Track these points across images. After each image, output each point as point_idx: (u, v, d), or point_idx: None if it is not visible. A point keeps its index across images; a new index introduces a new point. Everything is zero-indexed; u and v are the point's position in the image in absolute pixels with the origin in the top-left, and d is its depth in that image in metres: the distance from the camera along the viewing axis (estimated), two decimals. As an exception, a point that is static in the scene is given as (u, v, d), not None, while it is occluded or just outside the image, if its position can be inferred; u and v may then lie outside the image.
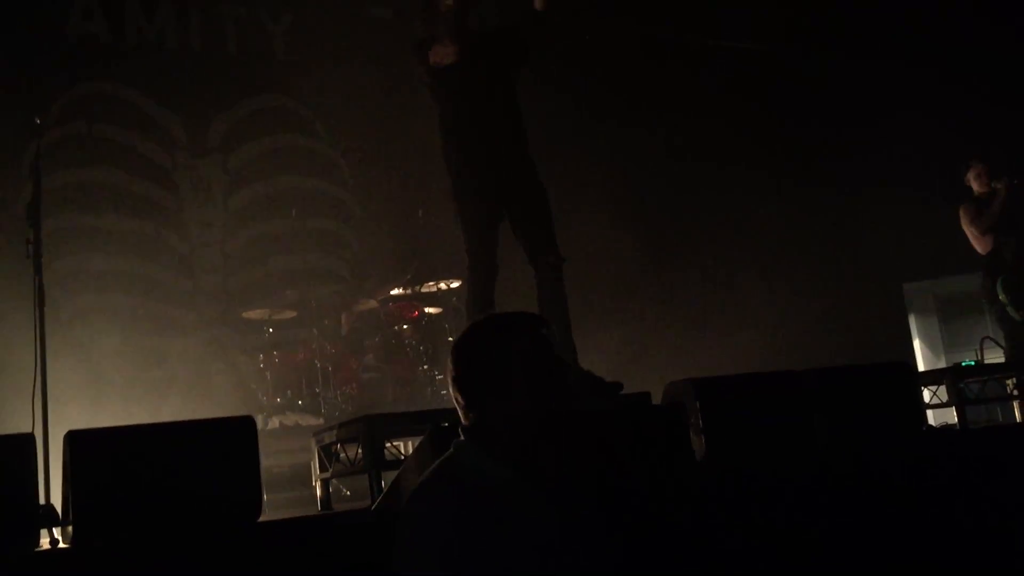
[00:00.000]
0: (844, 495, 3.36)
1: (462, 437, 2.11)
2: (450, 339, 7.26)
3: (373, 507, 3.35)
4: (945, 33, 8.88)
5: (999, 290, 6.78)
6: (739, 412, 3.63)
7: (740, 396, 3.73)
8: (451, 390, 2.15)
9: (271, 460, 5.55)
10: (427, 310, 7.29)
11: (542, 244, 4.44)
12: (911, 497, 3.43)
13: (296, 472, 5.50)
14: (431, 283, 7.34)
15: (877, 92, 9.24)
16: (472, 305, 4.40)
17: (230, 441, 3.13)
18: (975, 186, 7.09)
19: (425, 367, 6.99)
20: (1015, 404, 5.19)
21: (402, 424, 3.78)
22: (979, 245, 7.05)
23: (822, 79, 9.41)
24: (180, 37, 8.14)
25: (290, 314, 7.14)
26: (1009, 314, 6.78)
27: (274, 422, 6.72)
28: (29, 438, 2.96)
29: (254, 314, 7.06)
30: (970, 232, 7.06)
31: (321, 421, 6.42)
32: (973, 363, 6.96)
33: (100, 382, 6.89)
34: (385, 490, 3.35)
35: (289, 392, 6.84)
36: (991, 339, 6.98)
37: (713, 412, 3.57)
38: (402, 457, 3.63)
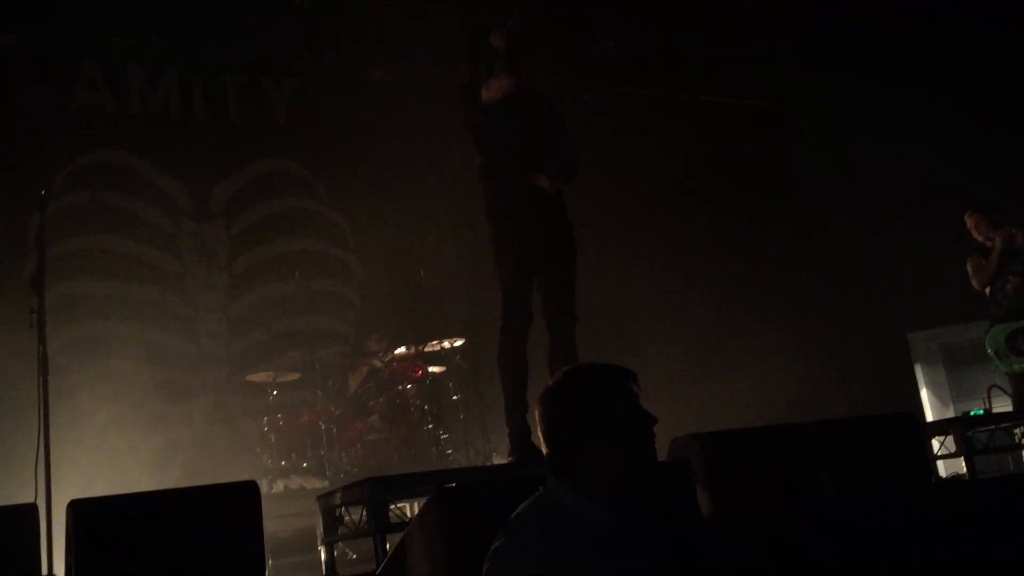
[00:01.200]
0: (852, 548, 3.32)
1: (550, 480, 2.16)
2: (455, 398, 7.25)
3: (378, 571, 3.31)
4: (952, 81, 9.00)
5: (986, 342, 6.74)
6: (745, 467, 3.60)
7: (745, 450, 3.71)
8: (540, 433, 2.20)
9: (275, 524, 5.50)
10: (431, 369, 7.28)
11: (563, 299, 4.44)
12: (920, 549, 3.39)
13: (301, 536, 5.45)
14: (434, 342, 7.34)
15: (881, 143, 9.33)
16: (503, 350, 4.35)
17: (234, 507, 3.11)
18: (976, 236, 7.03)
19: (430, 427, 6.96)
20: (1024, 453, 5.15)
21: (406, 486, 3.76)
22: (976, 282, 7.01)
23: (827, 133, 9.53)
24: (183, 105, 8.28)
25: (294, 376, 7.14)
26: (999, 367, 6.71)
27: (278, 485, 6.67)
28: (31, 508, 2.95)
29: (258, 377, 7.06)
30: (972, 276, 7.04)
31: (326, 484, 6.38)
32: (981, 412, 6.93)
33: (104, 449, 6.88)
34: (390, 553, 3.32)
35: (293, 455, 6.80)
36: (999, 387, 6.95)
37: (718, 467, 3.55)
38: (407, 519, 3.60)
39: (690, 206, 9.13)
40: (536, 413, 2.23)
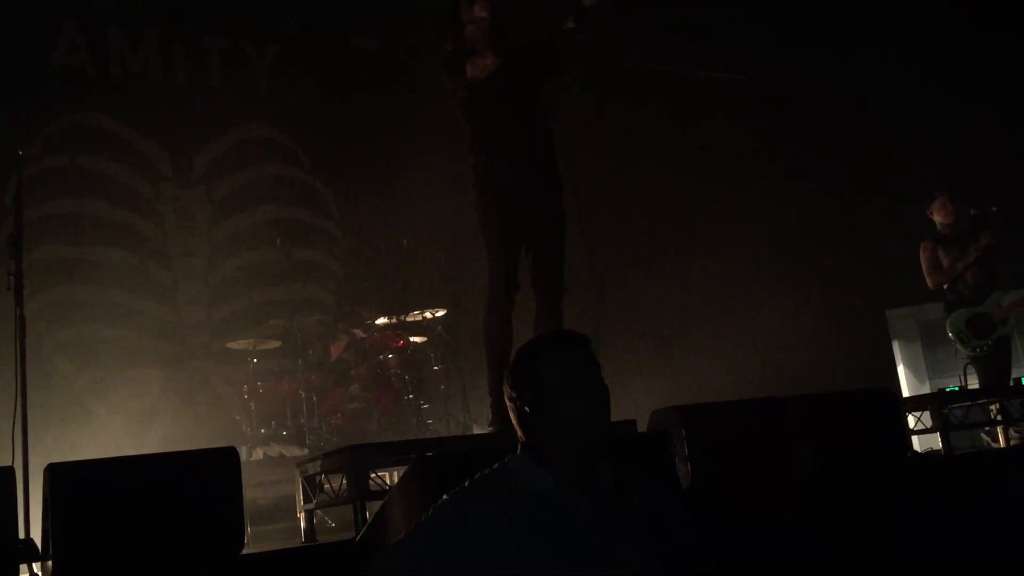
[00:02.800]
0: (829, 521, 3.35)
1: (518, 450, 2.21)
2: (435, 368, 7.26)
3: (358, 538, 3.32)
4: (937, 62, 9.02)
5: (947, 326, 6.80)
6: (725, 439, 3.63)
7: (725, 423, 3.73)
8: (510, 412, 2.25)
9: (255, 491, 5.51)
10: (412, 339, 7.27)
11: (551, 271, 4.43)
12: (896, 523, 3.43)
13: (280, 503, 5.46)
14: (416, 312, 7.33)
15: (859, 119, 9.35)
16: (489, 320, 4.34)
17: (213, 473, 3.11)
18: (938, 218, 6.94)
19: (410, 396, 6.97)
20: (999, 429, 5.21)
21: (387, 454, 3.77)
22: (929, 282, 6.94)
23: (809, 108, 9.52)
24: (164, 69, 8.16)
25: (274, 344, 7.11)
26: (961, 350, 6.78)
27: (258, 453, 6.67)
28: (8, 471, 2.93)
29: (238, 345, 7.03)
30: (925, 272, 6.93)
31: (306, 452, 6.38)
32: (957, 389, 7.01)
33: (82, 414, 6.84)
34: (369, 521, 3.33)
35: (273, 423, 6.80)
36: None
37: (699, 439, 3.57)
38: (387, 487, 3.60)
39: (666, 186, 9.13)
40: None
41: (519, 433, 2.23)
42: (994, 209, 6.83)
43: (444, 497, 2.14)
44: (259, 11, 8.39)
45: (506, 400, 2.25)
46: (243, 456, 5.89)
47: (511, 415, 2.24)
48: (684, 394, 7.57)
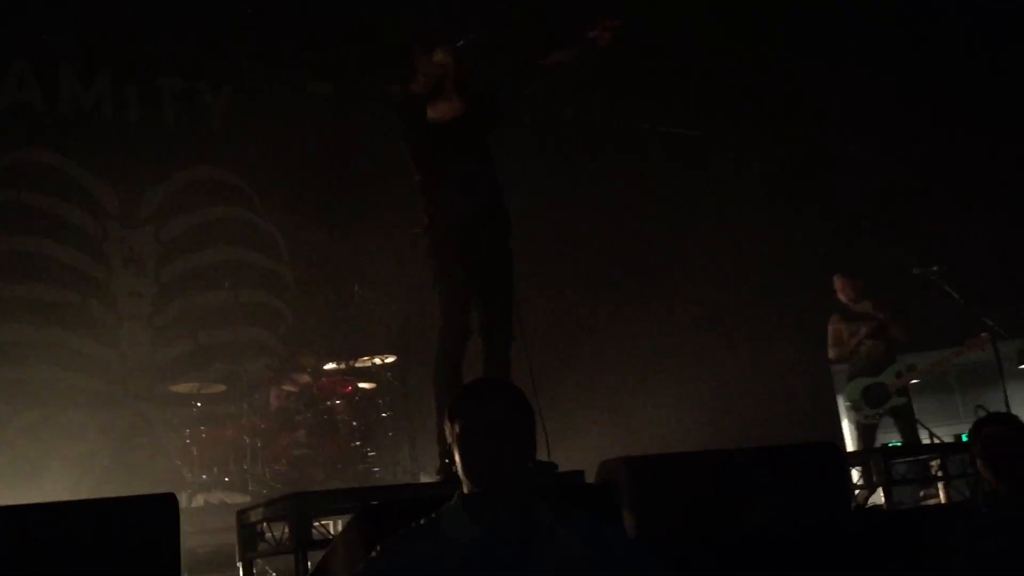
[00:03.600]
0: (775, 573, 3.36)
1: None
2: (384, 415, 7.19)
3: (298, 589, 3.25)
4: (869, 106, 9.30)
5: (844, 394, 7.35)
6: (672, 491, 3.63)
7: (673, 474, 3.73)
8: None
9: (194, 540, 5.35)
10: (361, 385, 7.20)
11: (500, 319, 4.42)
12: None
13: (220, 552, 5.30)
14: (366, 358, 7.26)
15: (809, 179, 9.57)
16: (439, 367, 4.30)
17: (150, 520, 3.01)
18: (840, 296, 7.42)
19: (357, 444, 6.88)
20: (940, 485, 5.28)
21: (331, 502, 3.70)
22: (830, 354, 7.50)
23: (756, 166, 9.73)
24: (116, 108, 8.09)
25: (219, 388, 6.99)
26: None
27: (199, 500, 6.52)
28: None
29: (182, 388, 6.90)
30: (828, 345, 7.46)
31: (248, 499, 6.25)
32: (899, 444, 7.12)
33: (16, 459, 6.63)
34: (312, 571, 3.26)
35: (216, 469, 6.65)
36: (918, 421, 7.15)
37: (646, 491, 3.56)
38: (330, 537, 3.54)
39: (613, 237, 9.22)
40: None
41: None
42: (935, 268, 7.04)
43: (377, 548, 2.13)
44: (215, 53, 8.37)
45: None
46: (183, 503, 5.74)
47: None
48: (633, 445, 7.58)
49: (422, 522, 2.17)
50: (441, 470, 4.23)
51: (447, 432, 2.24)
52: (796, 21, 8.91)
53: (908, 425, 7.10)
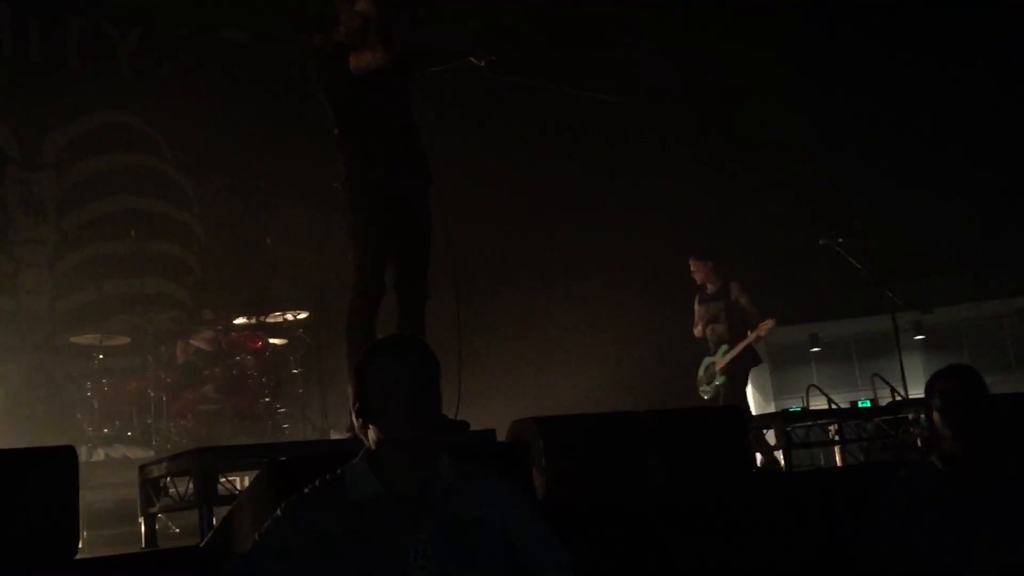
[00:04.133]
0: (678, 532, 3.45)
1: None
2: (295, 371, 7.09)
3: (202, 544, 3.20)
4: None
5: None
6: (580, 450, 3.68)
7: (581, 435, 3.79)
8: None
9: (94, 494, 5.23)
10: (272, 341, 7.09)
11: (416, 275, 4.39)
12: (740, 535, 3.56)
13: (121, 507, 5.20)
14: (277, 313, 7.14)
15: (733, 146, 9.73)
16: (352, 323, 4.25)
17: (48, 472, 2.93)
18: (696, 277, 7.76)
19: (267, 400, 6.78)
20: (836, 449, 5.49)
21: (238, 457, 3.65)
22: (694, 332, 7.80)
23: (680, 132, 9.84)
24: (17, 45, 7.71)
25: (123, 340, 6.80)
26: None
27: (99, 454, 6.35)
28: None
29: (84, 339, 6.69)
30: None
31: (151, 454, 6.12)
32: (800, 409, 7.36)
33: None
34: (216, 527, 3.21)
35: (118, 422, 6.49)
36: (816, 387, 7.40)
37: (555, 450, 3.61)
38: (237, 493, 3.49)
39: (539, 198, 9.24)
40: None
41: (359, 433, 2.21)
42: (840, 240, 7.27)
43: (281, 505, 2.12)
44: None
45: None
46: (83, 456, 5.59)
47: (351, 414, 2.23)
48: (543, 406, 7.66)
49: (327, 478, 2.16)
50: (351, 427, 4.20)
51: (352, 388, 2.20)
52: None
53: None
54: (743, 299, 7.52)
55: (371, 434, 2.14)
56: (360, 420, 2.16)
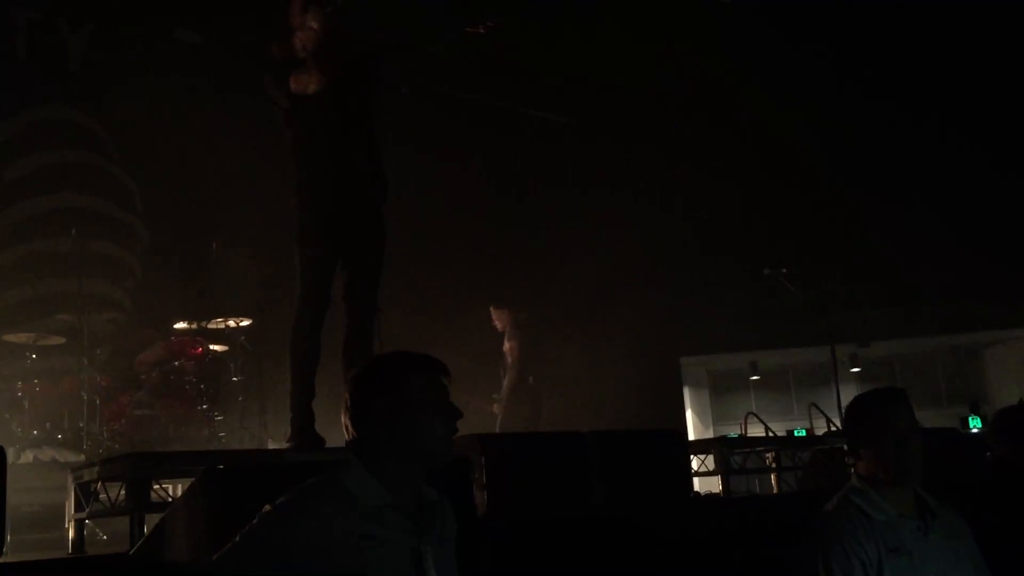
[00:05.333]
0: (617, 551, 3.46)
1: (351, 461, 2.15)
2: (234, 379, 6.98)
3: (131, 551, 3.12)
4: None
5: None
6: (522, 468, 3.69)
7: (523, 453, 3.79)
8: (343, 415, 2.21)
9: (20, 497, 5.07)
10: (212, 347, 6.97)
11: (365, 288, 4.36)
12: (675, 557, 3.59)
13: (48, 511, 5.05)
14: (219, 319, 7.04)
15: (667, 170, 9.84)
16: (297, 334, 4.21)
17: (-26, 473, 2.84)
18: (496, 326, 8.09)
19: (204, 407, 6.66)
20: (772, 476, 5.57)
21: (174, 464, 3.58)
22: None
23: (620, 156, 9.93)
24: (-39, 33, 7.54)
25: (58, 340, 6.63)
26: None
27: (27, 456, 6.17)
28: None
29: (16, 338, 6.51)
30: None
31: (82, 458, 5.96)
32: (736, 436, 7.46)
33: None
34: (147, 534, 3.14)
35: (48, 424, 6.32)
36: (755, 415, 7.51)
37: (497, 467, 3.61)
38: (170, 500, 3.42)
39: (493, 215, 9.27)
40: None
41: (355, 445, 2.18)
42: (784, 271, 7.40)
43: (268, 507, 2.06)
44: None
45: (348, 407, 2.19)
46: (11, 458, 5.41)
47: (348, 422, 2.19)
48: (487, 424, 7.65)
49: (318, 483, 2.10)
50: (292, 437, 4.16)
51: (365, 395, 2.16)
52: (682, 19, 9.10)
53: None
54: (512, 352, 7.85)
55: (381, 441, 2.13)
56: (374, 425, 2.14)
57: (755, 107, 9.60)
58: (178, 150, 8.02)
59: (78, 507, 3.67)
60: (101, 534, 5.03)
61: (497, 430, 7.47)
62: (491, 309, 7.99)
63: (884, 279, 10.52)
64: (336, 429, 4.33)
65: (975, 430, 8.99)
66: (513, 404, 7.72)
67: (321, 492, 2.08)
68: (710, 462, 5.20)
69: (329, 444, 4.11)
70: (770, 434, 7.20)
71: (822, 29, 9.07)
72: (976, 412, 9.62)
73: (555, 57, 9.06)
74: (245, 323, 7.09)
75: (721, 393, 12.33)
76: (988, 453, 3.86)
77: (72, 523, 3.68)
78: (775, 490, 5.42)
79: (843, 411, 7.07)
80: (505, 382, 7.86)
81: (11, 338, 6.55)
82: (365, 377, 2.21)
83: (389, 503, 2.09)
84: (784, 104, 9.58)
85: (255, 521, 2.05)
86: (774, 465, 5.43)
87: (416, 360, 2.23)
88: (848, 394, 9.05)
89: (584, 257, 9.48)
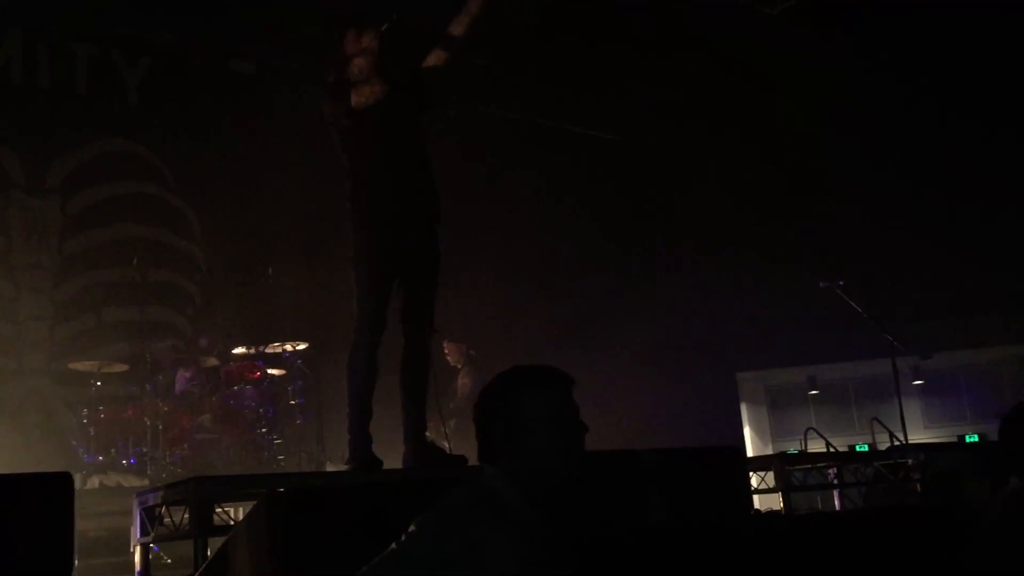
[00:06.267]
0: (677, 571, 3.42)
1: (485, 470, 2.15)
2: (292, 403, 7.07)
3: (195, 575, 3.17)
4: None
5: None
6: (579, 488, 3.66)
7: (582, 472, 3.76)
8: (477, 432, 2.20)
9: (88, 522, 5.19)
10: (270, 371, 7.07)
11: (422, 310, 4.38)
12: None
13: (114, 537, 5.15)
14: (276, 344, 7.14)
15: (719, 189, 9.77)
16: (354, 357, 4.23)
17: (43, 499, 2.91)
18: (448, 358, 8.00)
19: (263, 431, 6.76)
20: (835, 493, 5.46)
21: (236, 487, 3.62)
22: None
23: (670, 176, 9.89)
24: (26, 71, 7.77)
25: (121, 368, 6.78)
26: None
27: (94, 482, 6.31)
28: None
29: (82, 366, 6.68)
30: None
31: (147, 483, 6.08)
32: (797, 452, 7.33)
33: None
34: (210, 558, 3.18)
35: (113, 450, 6.46)
36: (814, 430, 7.37)
37: (554, 487, 3.59)
38: (232, 523, 3.46)
39: (542, 232, 9.25)
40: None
41: (487, 455, 2.17)
42: (841, 283, 7.27)
43: (420, 519, 2.04)
44: (134, 22, 8.10)
45: (475, 423, 2.19)
46: (77, 484, 5.54)
47: (477, 435, 2.18)
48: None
49: (465, 492, 2.10)
50: (349, 459, 4.18)
51: (486, 416, 2.16)
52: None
53: None
54: (464, 389, 7.79)
55: (508, 458, 2.11)
56: (497, 442, 2.13)
57: (808, 116, 9.49)
58: (233, 178, 8.19)
59: (143, 531, 3.73)
60: (166, 558, 5.11)
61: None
62: (444, 343, 7.83)
63: (946, 288, 10.28)
64: (392, 451, 4.37)
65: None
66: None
67: (478, 502, 2.06)
68: (770, 479, 5.11)
69: (386, 466, 4.13)
70: (831, 450, 7.08)
71: (879, 34, 8.93)
72: (1045, 424, 9.32)
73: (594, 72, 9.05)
74: (302, 347, 7.18)
75: (779, 409, 12.11)
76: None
77: (138, 547, 3.75)
78: (837, 507, 5.31)
79: (905, 425, 6.93)
80: (452, 422, 7.67)
81: (76, 366, 6.71)
82: (485, 395, 2.20)
83: (537, 519, 2.07)
84: (839, 111, 9.45)
85: (404, 538, 2.03)
86: (836, 481, 5.33)
87: (532, 376, 2.21)
88: (911, 407, 8.85)
89: (635, 271, 9.44)
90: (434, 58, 4.53)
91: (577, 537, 2.17)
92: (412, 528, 2.04)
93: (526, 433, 2.11)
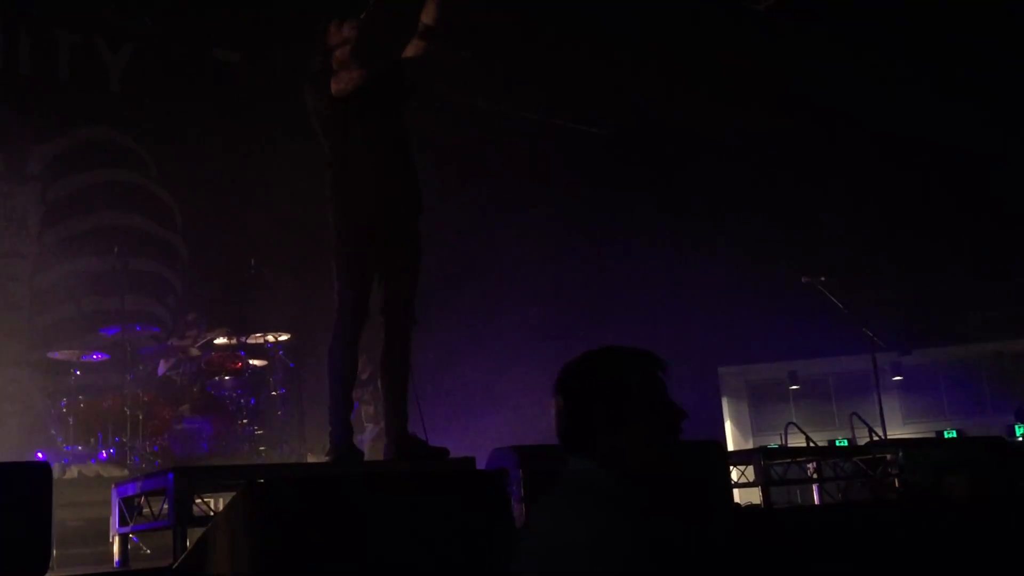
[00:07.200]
0: (657, 565, 3.43)
1: (571, 462, 2.08)
2: (273, 394, 7.04)
3: (174, 566, 3.16)
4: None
5: None
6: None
7: (561, 465, 3.77)
8: (559, 415, 2.13)
9: (66, 512, 5.15)
10: (252, 362, 7.05)
11: (402, 301, 4.37)
12: (717, 571, 3.55)
13: (93, 526, 5.12)
14: (258, 335, 7.11)
15: (707, 181, 9.80)
16: (335, 347, 4.22)
17: (20, 488, 2.90)
18: None
19: (244, 421, 6.73)
20: (814, 487, 5.49)
21: (215, 478, 3.61)
22: None
23: (659, 167, 9.91)
24: (7, 57, 7.69)
25: (101, 357, 6.73)
26: None
27: (72, 471, 6.27)
28: None
29: (61, 355, 6.62)
30: None
31: (126, 473, 6.04)
32: (777, 446, 7.38)
33: None
34: (190, 548, 3.17)
35: (92, 440, 6.41)
36: (795, 425, 7.42)
37: (534, 479, 3.60)
38: (212, 514, 3.45)
39: (525, 226, 9.25)
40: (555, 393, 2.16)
41: (573, 444, 2.10)
42: (823, 278, 7.32)
43: (536, 509, 2.01)
44: (116, 8, 8.02)
45: (559, 407, 2.12)
46: (56, 474, 5.51)
47: (563, 422, 2.11)
48: (521, 436, 7.63)
49: (572, 480, 2.05)
50: (330, 451, 4.18)
51: (592, 391, 2.07)
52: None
53: None
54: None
55: (609, 447, 2.03)
56: (593, 432, 2.05)
57: (790, 112, 9.53)
58: (216, 167, 8.15)
59: (122, 522, 3.72)
60: (145, 548, 5.08)
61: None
62: None
63: (924, 285, 10.37)
64: (373, 443, 4.34)
65: (1022, 438, 8.83)
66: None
67: (581, 491, 2.01)
68: (750, 473, 5.13)
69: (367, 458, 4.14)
70: (811, 444, 7.13)
71: (870, 30, 8.97)
72: (1022, 420, 9.44)
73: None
74: (284, 338, 7.16)
75: (760, 403, 12.20)
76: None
77: (116, 538, 3.73)
78: (817, 501, 5.35)
79: (884, 420, 6.97)
80: (370, 409, 7.53)
81: (56, 355, 6.67)
82: (581, 374, 2.12)
83: (635, 498, 2.02)
84: (820, 109, 9.50)
85: (530, 525, 2.00)
86: (815, 476, 5.36)
87: (641, 356, 2.14)
88: (890, 403, 8.93)
89: (617, 264, 9.46)
90: (412, 48, 4.51)
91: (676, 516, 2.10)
92: (527, 524, 2.02)
93: (635, 411, 2.05)
